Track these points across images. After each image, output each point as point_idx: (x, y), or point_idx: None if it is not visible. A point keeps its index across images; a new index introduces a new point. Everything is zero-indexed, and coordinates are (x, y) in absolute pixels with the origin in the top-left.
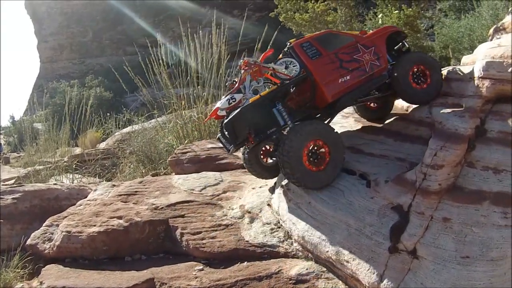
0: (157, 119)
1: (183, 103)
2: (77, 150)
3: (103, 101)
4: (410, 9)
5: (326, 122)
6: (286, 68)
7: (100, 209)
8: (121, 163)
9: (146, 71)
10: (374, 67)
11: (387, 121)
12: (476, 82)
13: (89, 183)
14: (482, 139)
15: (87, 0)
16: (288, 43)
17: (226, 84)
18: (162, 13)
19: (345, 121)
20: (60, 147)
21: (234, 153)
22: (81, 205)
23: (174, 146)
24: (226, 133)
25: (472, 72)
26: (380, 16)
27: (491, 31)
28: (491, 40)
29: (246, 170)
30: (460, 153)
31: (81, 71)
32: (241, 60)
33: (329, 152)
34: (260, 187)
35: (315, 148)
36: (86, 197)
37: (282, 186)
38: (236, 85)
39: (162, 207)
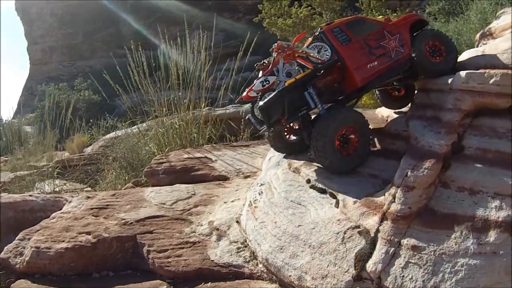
0: (139, 125)
1: (164, 110)
2: (65, 155)
3: (91, 105)
4: (395, 14)
5: (350, 105)
6: (318, 52)
7: (71, 224)
8: (103, 170)
9: (124, 77)
10: (399, 54)
11: None
12: (455, 94)
13: (69, 191)
14: (459, 156)
15: (78, 0)
16: (319, 28)
17: (255, 65)
18: (152, 15)
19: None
20: (47, 151)
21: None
22: (54, 218)
23: (155, 154)
24: (257, 114)
25: (452, 83)
26: None
27: (477, 36)
28: (477, 46)
29: (219, 182)
30: (434, 173)
31: (71, 73)
32: (275, 44)
33: (358, 138)
34: (232, 201)
35: (346, 134)
36: (61, 209)
37: (250, 203)
38: (269, 67)
39: (131, 223)
